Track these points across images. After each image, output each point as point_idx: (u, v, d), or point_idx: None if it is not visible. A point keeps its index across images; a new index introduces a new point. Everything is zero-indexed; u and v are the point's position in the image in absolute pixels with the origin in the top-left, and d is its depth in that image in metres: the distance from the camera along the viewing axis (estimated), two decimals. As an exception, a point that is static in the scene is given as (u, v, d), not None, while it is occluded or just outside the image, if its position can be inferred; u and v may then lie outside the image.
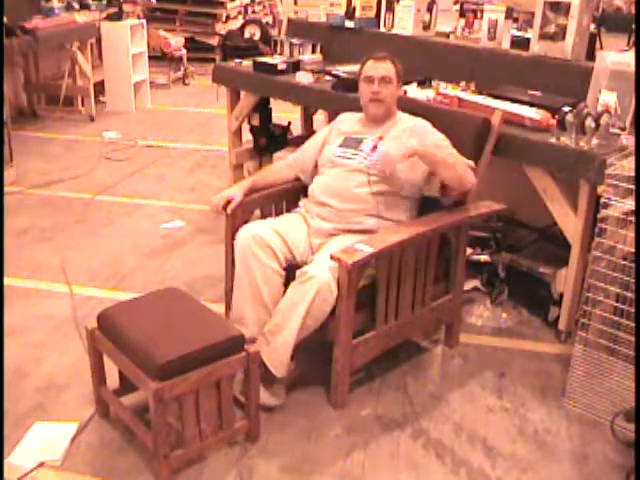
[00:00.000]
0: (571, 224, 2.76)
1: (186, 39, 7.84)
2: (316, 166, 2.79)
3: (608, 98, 2.81)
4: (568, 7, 3.08)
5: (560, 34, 3.13)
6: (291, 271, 2.47)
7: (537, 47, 3.24)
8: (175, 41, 7.43)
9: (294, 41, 4.21)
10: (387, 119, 2.71)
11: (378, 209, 2.58)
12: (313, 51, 4.20)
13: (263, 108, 4.18)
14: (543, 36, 3.19)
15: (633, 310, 2.31)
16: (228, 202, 2.66)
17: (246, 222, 2.66)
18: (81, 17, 5.93)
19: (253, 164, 4.35)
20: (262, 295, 2.47)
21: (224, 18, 8.39)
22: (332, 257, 2.28)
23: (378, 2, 3.98)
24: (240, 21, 8.59)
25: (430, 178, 2.59)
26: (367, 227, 2.57)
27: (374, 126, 2.72)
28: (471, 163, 2.58)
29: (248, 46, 4.91)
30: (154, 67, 7.09)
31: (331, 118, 3.66)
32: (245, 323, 2.47)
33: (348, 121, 2.82)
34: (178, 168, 5.00)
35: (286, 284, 2.44)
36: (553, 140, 2.74)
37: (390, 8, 3.88)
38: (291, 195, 2.86)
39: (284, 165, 2.91)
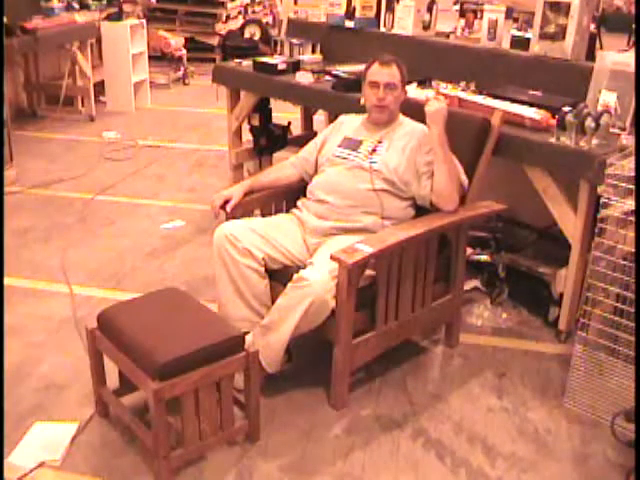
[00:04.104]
0: (571, 224, 2.76)
1: (186, 39, 7.83)
2: (317, 166, 2.79)
3: (608, 98, 2.81)
4: (568, 7, 3.08)
5: (560, 34, 3.13)
6: (288, 273, 2.46)
7: (537, 47, 3.23)
8: (175, 41, 7.43)
9: (294, 41, 4.20)
10: (389, 123, 2.71)
11: (379, 207, 2.58)
12: (313, 51, 4.19)
13: (263, 108, 4.18)
14: (543, 36, 3.19)
15: (633, 310, 2.31)
16: (226, 201, 2.66)
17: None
18: (81, 17, 5.93)
19: (253, 164, 4.35)
20: (243, 293, 2.49)
21: (224, 18, 8.39)
22: (332, 257, 2.28)
23: (378, 2, 3.98)
24: (240, 21, 8.58)
25: (420, 181, 2.60)
26: (365, 226, 2.57)
27: (375, 129, 2.72)
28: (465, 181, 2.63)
29: (248, 46, 4.92)
30: (154, 67, 7.09)
31: (331, 118, 3.66)
32: (231, 320, 2.47)
33: (349, 122, 2.82)
34: (178, 168, 5.00)
35: (285, 284, 2.44)
36: (553, 140, 2.73)
37: (390, 8, 3.87)
38: (291, 195, 2.86)
39: (287, 165, 2.90)
